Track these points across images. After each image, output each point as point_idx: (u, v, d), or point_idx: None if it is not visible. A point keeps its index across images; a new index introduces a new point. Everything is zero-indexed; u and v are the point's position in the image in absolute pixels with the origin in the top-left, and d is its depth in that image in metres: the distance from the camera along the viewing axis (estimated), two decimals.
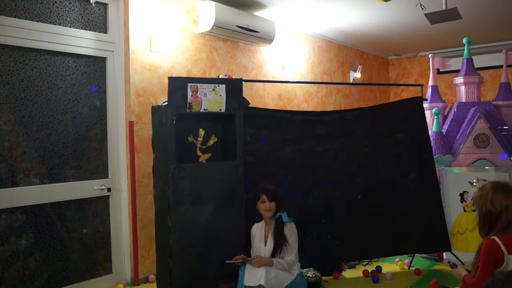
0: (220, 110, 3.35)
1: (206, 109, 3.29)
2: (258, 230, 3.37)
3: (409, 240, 4.17)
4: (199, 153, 3.43)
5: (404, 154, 4.22)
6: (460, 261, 4.31)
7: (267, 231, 3.33)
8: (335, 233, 3.96)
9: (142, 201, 3.97)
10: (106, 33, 3.90)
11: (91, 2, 3.73)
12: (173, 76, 4.13)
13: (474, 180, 4.42)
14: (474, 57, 5.32)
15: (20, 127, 3.34)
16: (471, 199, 4.41)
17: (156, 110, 3.44)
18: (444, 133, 4.90)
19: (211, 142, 3.48)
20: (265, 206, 3.27)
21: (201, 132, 3.44)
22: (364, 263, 4.40)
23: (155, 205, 3.55)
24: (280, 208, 3.33)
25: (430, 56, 5.44)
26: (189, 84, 3.23)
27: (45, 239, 3.44)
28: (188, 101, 3.22)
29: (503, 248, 2.30)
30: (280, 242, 3.23)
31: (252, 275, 3.09)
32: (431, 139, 4.52)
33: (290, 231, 3.27)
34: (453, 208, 4.49)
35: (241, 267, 3.18)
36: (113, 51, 3.93)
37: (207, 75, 4.63)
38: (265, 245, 3.28)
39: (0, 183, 3.21)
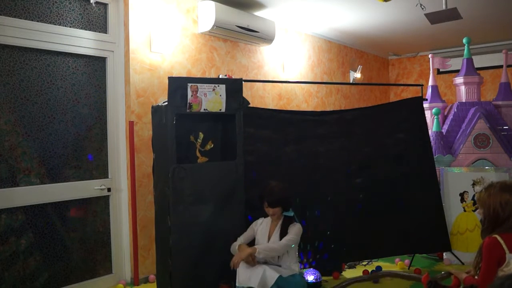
0: (220, 110, 3.35)
1: (206, 109, 3.29)
2: (263, 225, 3.33)
3: (409, 240, 4.17)
4: (198, 154, 3.44)
5: (404, 154, 4.21)
6: (460, 261, 4.32)
7: (272, 227, 3.29)
8: (335, 233, 3.95)
9: (142, 201, 3.97)
10: (106, 33, 3.90)
11: (91, 2, 3.73)
12: (173, 76, 4.13)
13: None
14: (474, 57, 5.33)
15: (20, 127, 3.34)
16: (472, 199, 4.42)
17: (156, 110, 3.44)
18: (444, 133, 4.90)
19: (208, 147, 3.49)
20: (269, 211, 3.25)
21: (201, 135, 3.45)
22: (364, 263, 4.40)
23: (155, 205, 3.55)
24: (289, 207, 3.30)
25: (430, 56, 5.45)
26: (189, 84, 3.23)
27: (45, 239, 3.44)
28: (188, 101, 3.22)
29: (504, 246, 2.27)
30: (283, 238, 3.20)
31: (246, 275, 3.03)
32: (431, 139, 4.52)
33: (295, 229, 3.22)
34: (453, 208, 4.49)
35: None
36: (113, 51, 3.93)
37: (207, 75, 4.63)
38: (268, 241, 3.24)
39: (0, 183, 3.21)
